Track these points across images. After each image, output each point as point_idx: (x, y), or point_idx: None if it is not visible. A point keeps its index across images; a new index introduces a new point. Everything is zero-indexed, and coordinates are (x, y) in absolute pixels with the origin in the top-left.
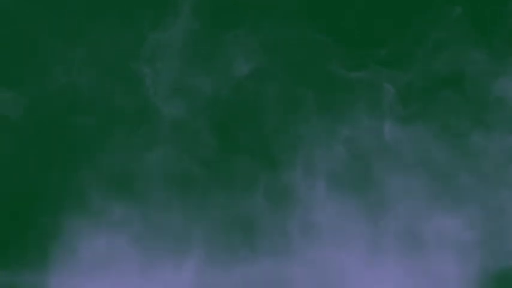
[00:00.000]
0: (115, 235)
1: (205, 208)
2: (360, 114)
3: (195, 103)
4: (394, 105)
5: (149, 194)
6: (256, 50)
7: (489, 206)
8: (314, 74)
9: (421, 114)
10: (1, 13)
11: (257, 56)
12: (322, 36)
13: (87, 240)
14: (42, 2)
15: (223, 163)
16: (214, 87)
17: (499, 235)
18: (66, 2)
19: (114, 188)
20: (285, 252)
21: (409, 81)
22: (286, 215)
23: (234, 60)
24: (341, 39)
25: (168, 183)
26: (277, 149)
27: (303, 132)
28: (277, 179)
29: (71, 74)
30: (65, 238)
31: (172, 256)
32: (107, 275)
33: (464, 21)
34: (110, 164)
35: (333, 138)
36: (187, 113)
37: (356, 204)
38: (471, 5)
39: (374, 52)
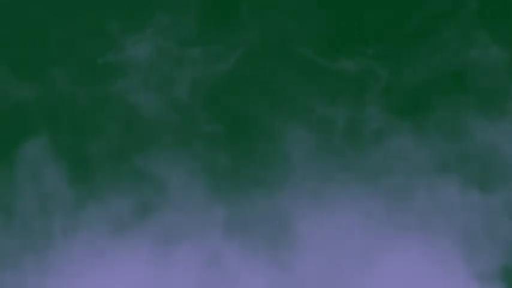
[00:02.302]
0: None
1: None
2: (357, 108)
3: (176, 100)
4: (392, 100)
5: (139, 191)
6: (244, 44)
7: (494, 203)
8: (308, 68)
9: (421, 110)
10: None
11: (242, 50)
12: (318, 29)
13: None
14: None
15: (207, 160)
16: (194, 84)
17: (508, 229)
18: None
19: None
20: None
21: (410, 75)
22: (275, 210)
23: (216, 57)
24: (337, 33)
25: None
26: (262, 145)
27: (291, 127)
28: (262, 174)
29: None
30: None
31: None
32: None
33: (471, 16)
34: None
35: (325, 132)
36: (169, 111)
37: (343, 197)
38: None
39: (372, 46)
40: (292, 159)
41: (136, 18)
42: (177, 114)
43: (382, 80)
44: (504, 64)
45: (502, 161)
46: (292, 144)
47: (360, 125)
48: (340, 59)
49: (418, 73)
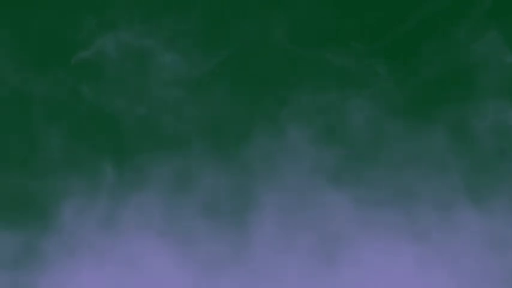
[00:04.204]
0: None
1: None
2: (357, 106)
3: (156, 103)
4: (394, 99)
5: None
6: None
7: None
8: (306, 66)
9: (427, 110)
10: None
11: (234, 48)
12: (317, 26)
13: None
14: None
15: (197, 159)
16: (172, 86)
17: None
18: None
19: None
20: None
21: (412, 74)
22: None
23: (197, 56)
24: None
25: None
26: (255, 143)
27: (288, 125)
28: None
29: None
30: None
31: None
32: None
33: (482, 15)
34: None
35: (323, 130)
36: (151, 114)
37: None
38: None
39: (372, 43)
40: (286, 158)
41: (113, 15)
42: (157, 115)
43: (381, 78)
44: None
45: (507, 162)
46: (287, 142)
47: (360, 123)
48: (339, 56)
49: (421, 72)
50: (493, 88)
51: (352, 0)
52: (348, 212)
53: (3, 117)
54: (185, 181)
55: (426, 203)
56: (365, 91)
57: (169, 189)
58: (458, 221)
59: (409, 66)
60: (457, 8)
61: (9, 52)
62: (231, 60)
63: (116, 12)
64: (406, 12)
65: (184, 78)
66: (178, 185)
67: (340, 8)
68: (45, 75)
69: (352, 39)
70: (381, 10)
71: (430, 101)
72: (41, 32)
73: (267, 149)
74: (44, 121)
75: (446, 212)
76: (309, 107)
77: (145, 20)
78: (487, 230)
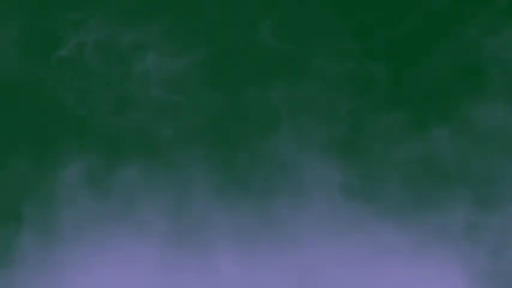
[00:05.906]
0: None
1: None
2: (357, 106)
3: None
4: (394, 99)
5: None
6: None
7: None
8: (304, 66)
9: (434, 114)
10: None
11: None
12: (317, 25)
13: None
14: None
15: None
16: (163, 87)
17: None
18: None
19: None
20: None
21: (417, 76)
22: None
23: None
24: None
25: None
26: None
27: (285, 124)
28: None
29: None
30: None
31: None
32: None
33: (496, 14)
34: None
35: (323, 130)
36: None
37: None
38: None
39: (375, 42)
40: (282, 159)
41: (100, 14)
42: (145, 116)
43: (380, 78)
44: None
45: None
46: (285, 143)
47: (359, 122)
48: (338, 55)
49: (420, 72)
50: (493, 88)
51: None
52: (347, 211)
53: None
54: (182, 180)
55: (426, 202)
56: (364, 91)
57: (164, 187)
58: (459, 221)
59: (409, 66)
60: (456, 8)
61: None
62: (218, 58)
63: (103, 11)
64: (406, 12)
65: (171, 78)
66: (175, 184)
67: (340, 8)
68: (27, 73)
69: (351, 39)
70: (381, 10)
71: (431, 101)
72: (22, 29)
73: (258, 148)
74: (28, 121)
75: (446, 212)
76: (307, 106)
77: (129, 19)
78: (488, 230)
